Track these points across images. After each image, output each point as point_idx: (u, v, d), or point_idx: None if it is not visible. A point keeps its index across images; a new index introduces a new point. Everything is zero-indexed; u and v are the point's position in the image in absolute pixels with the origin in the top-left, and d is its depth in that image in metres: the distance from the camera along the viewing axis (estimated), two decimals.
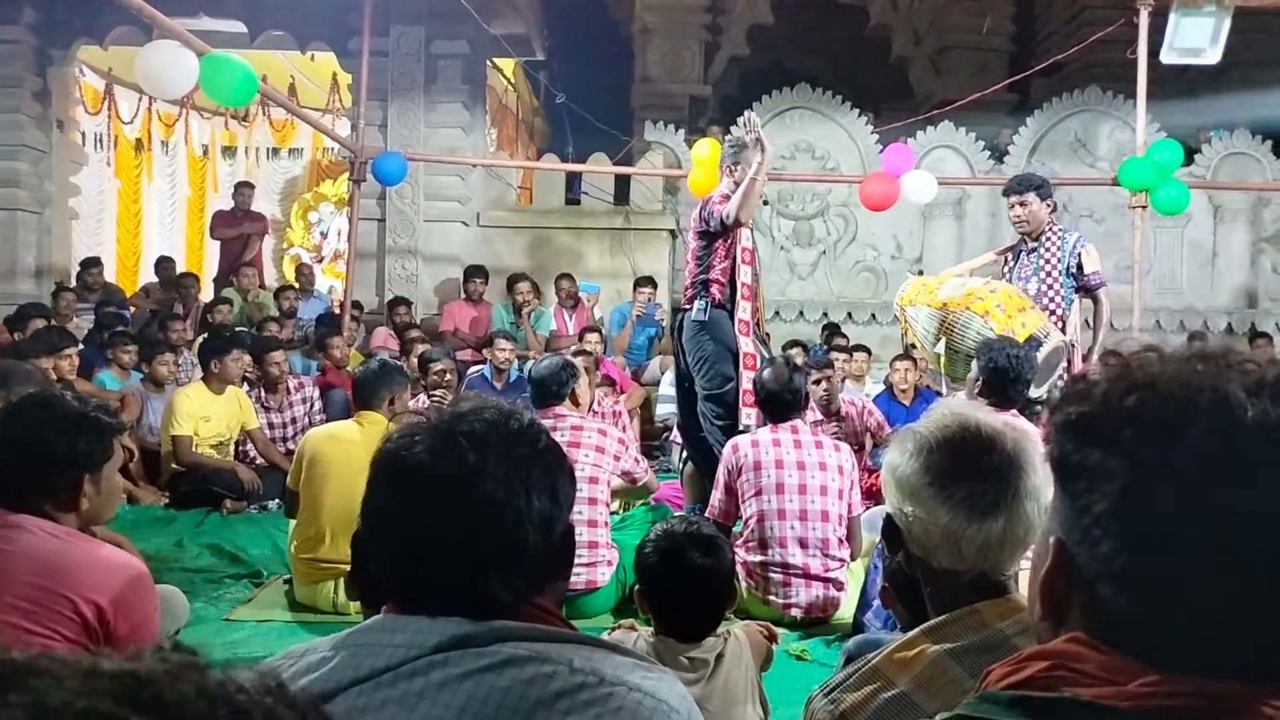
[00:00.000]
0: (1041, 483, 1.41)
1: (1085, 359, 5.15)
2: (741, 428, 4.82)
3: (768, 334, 5.65)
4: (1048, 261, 5.22)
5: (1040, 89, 11.13)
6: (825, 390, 6.08)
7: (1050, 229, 5.29)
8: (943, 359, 4.94)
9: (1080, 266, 5.20)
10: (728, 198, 4.98)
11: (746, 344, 5.00)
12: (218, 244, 10.75)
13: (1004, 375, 3.88)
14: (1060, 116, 9.88)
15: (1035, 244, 5.30)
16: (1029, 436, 1.44)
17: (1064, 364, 4.92)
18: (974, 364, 4.06)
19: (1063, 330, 5.05)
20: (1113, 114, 9.76)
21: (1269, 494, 0.68)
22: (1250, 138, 9.72)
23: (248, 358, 6.42)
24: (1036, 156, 9.77)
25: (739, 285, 5.00)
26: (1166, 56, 7.10)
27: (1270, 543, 0.68)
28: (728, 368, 4.94)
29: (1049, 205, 5.30)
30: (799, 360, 5.34)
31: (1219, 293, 9.83)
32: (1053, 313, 5.14)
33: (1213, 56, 7.06)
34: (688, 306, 5.12)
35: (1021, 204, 5.30)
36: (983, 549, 1.38)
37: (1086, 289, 5.26)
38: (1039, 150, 9.83)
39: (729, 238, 5.00)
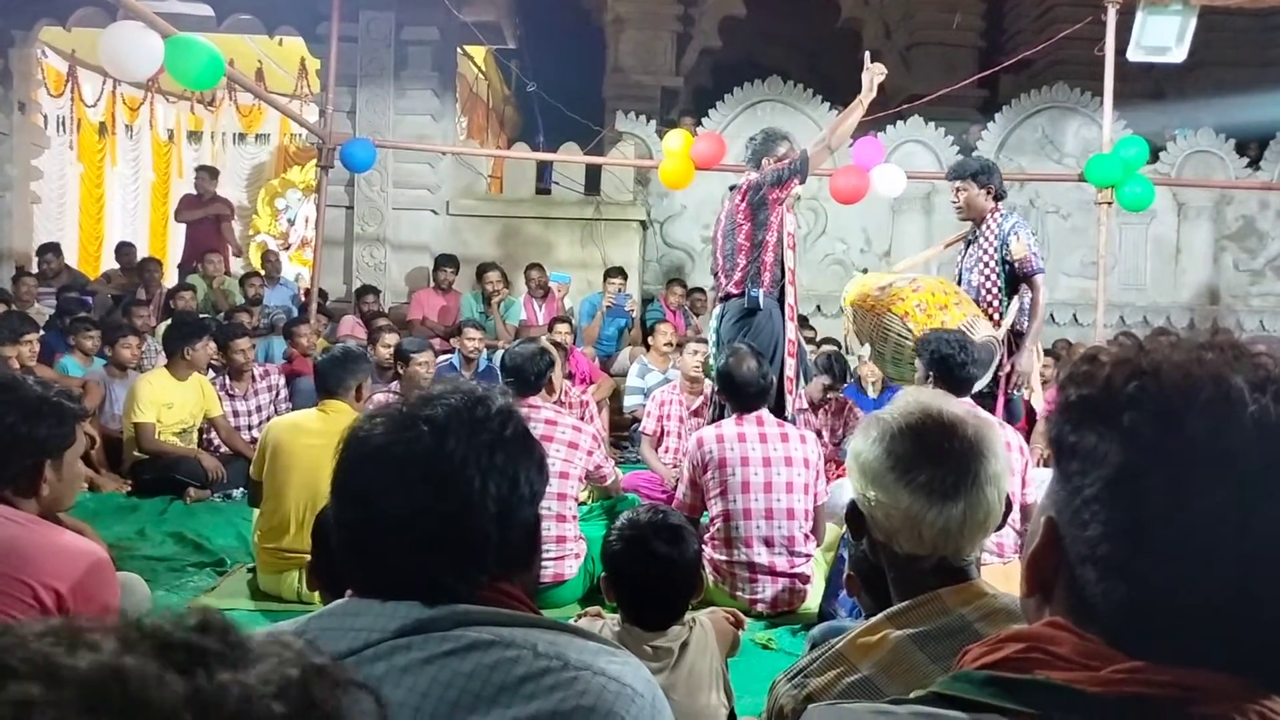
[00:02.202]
0: (1003, 469, 1.43)
1: (1015, 351, 4.99)
2: (789, 416, 4.79)
3: None
4: (985, 251, 5.13)
5: (1009, 85, 11.23)
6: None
7: (990, 217, 5.16)
8: (869, 358, 4.96)
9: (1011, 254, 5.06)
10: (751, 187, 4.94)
11: (791, 330, 4.99)
12: (182, 230, 10.62)
13: (950, 362, 3.89)
14: (1028, 113, 9.98)
15: (976, 233, 5.22)
16: (991, 424, 1.46)
17: (998, 358, 4.82)
18: (918, 361, 4.07)
19: (999, 323, 4.96)
20: (1080, 111, 9.86)
21: (1260, 492, 0.68)
22: (1214, 136, 9.85)
23: (214, 345, 6.37)
24: (1004, 152, 9.85)
25: (786, 270, 4.98)
26: (1133, 54, 7.16)
27: (1258, 541, 0.68)
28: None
29: (988, 193, 5.15)
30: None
31: (1182, 289, 9.96)
32: (990, 304, 5.05)
33: (1178, 55, 7.14)
34: (736, 292, 4.99)
35: (958, 190, 5.21)
36: (943, 533, 1.40)
37: (1019, 277, 5.08)
38: (1007, 146, 9.92)
39: (780, 217, 4.95)
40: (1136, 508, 0.71)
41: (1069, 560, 0.76)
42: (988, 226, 5.16)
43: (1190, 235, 9.95)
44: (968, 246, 5.32)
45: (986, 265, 5.11)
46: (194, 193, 10.59)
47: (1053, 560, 0.77)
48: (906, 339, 4.74)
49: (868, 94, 5.04)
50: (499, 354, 7.80)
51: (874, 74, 5.04)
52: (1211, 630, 0.70)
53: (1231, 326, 9.58)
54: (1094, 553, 0.73)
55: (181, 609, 0.50)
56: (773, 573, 4.00)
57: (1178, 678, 0.69)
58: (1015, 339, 5.02)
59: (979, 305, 5.01)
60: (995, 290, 5.08)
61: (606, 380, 7.79)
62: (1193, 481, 0.69)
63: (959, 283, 5.23)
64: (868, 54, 5.23)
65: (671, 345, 7.40)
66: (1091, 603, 0.74)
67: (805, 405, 5.96)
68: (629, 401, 7.44)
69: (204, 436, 6.22)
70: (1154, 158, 8.76)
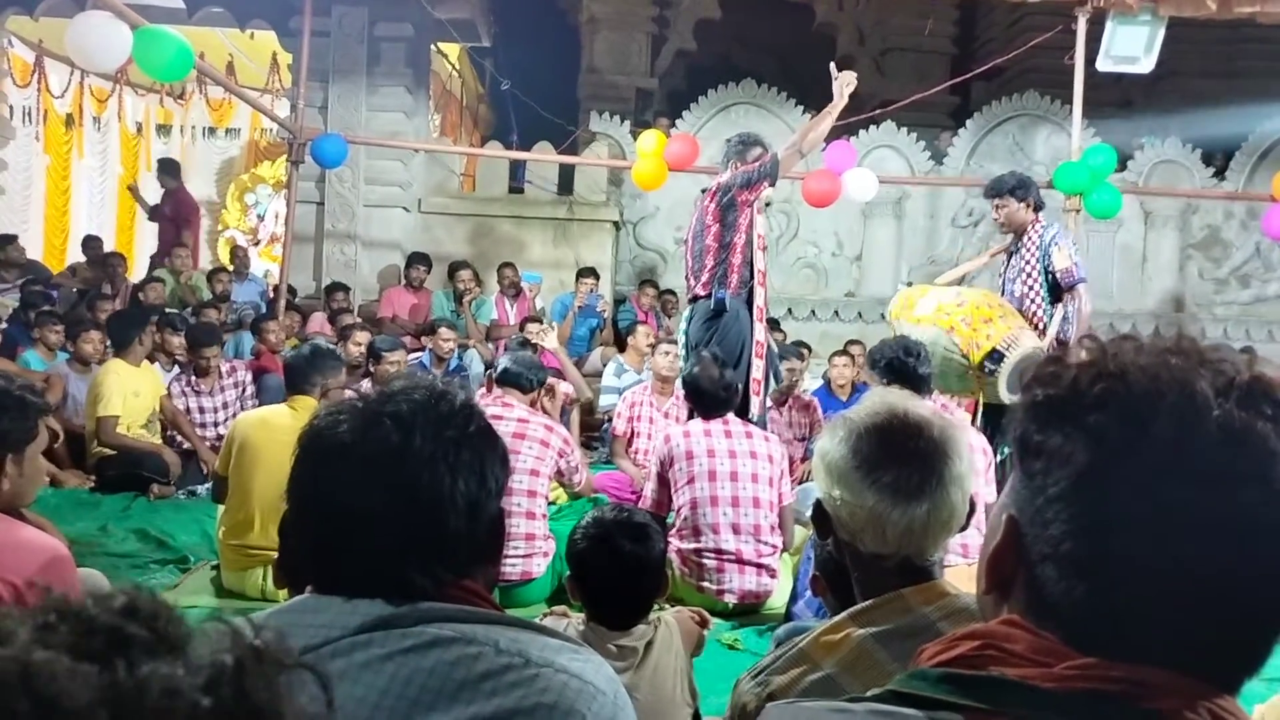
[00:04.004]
0: (967, 470, 1.44)
1: None
2: (754, 418, 4.78)
3: None
4: (1026, 263, 5.16)
5: (980, 92, 11.33)
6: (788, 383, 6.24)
7: (1031, 229, 5.18)
8: None
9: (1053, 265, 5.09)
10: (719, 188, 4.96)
11: (759, 331, 4.98)
12: (152, 224, 10.49)
13: (901, 364, 3.88)
14: (999, 120, 10.06)
15: (1018, 244, 5.26)
16: (956, 426, 1.47)
17: None
18: (874, 373, 4.06)
19: (1043, 332, 4.96)
20: (1049, 119, 9.96)
21: (1222, 496, 0.69)
22: (1181, 146, 9.97)
23: (179, 339, 6.33)
24: (975, 159, 9.93)
25: (755, 271, 4.98)
26: (1102, 64, 7.24)
27: (1216, 543, 0.69)
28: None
29: (1027, 205, 5.18)
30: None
31: (1148, 297, 10.07)
32: (1034, 314, 5.08)
33: (1146, 65, 7.22)
34: (703, 293, 5.00)
35: (998, 207, 5.26)
36: (906, 532, 1.40)
37: (1061, 287, 5.10)
38: (977, 152, 10.00)
39: (749, 219, 4.94)
40: (1100, 507, 0.72)
41: (1029, 558, 0.76)
42: (1029, 238, 5.19)
43: (1156, 243, 10.07)
44: (1009, 258, 5.36)
45: (1029, 276, 5.15)
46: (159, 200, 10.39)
47: (1012, 558, 0.78)
48: (952, 353, 4.70)
49: (840, 102, 5.09)
50: (469, 352, 7.78)
51: (844, 82, 5.10)
52: (1167, 629, 0.71)
53: (1196, 334, 9.69)
54: (1056, 551, 0.74)
55: (112, 589, 0.46)
56: (739, 560, 4.03)
57: (1130, 673, 0.70)
58: (1061, 349, 5.06)
59: (1023, 316, 5.03)
60: (1039, 300, 5.12)
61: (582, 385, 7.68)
62: (1157, 482, 0.70)
63: (1002, 294, 5.26)
64: (833, 65, 5.28)
65: (652, 346, 7.39)
66: (1050, 600, 0.74)
67: (770, 404, 5.99)
68: (604, 401, 7.41)
69: (167, 433, 6.16)
70: (1122, 166, 8.87)
